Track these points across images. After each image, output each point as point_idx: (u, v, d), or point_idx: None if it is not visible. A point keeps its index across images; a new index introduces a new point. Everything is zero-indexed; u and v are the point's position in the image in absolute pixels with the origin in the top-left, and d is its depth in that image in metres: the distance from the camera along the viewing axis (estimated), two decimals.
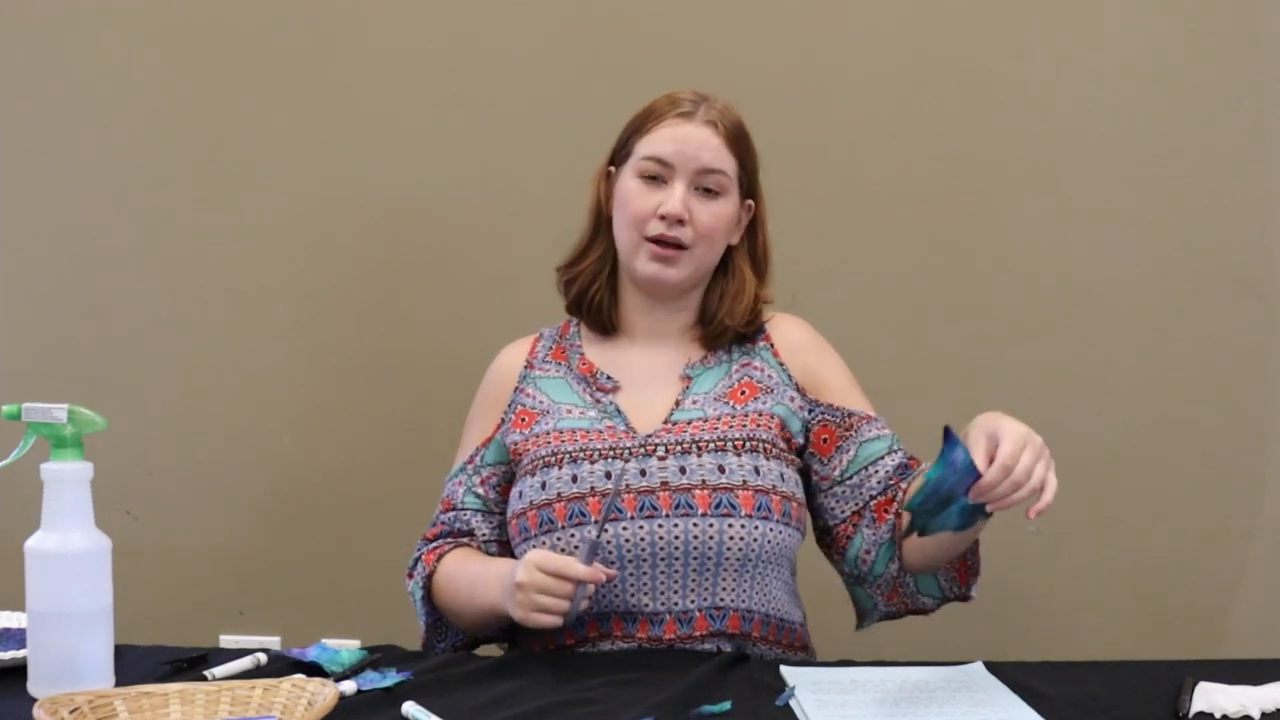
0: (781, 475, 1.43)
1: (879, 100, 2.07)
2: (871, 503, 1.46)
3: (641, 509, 1.39)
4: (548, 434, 1.47)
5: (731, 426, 1.44)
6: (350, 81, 2.13)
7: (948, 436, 1.16)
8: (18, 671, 1.25)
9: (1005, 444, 1.17)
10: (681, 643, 1.39)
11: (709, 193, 1.48)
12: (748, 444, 1.42)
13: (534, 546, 1.42)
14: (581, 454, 1.43)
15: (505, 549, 1.53)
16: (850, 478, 1.48)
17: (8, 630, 1.41)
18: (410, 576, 1.54)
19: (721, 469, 1.40)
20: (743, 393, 1.48)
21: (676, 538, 1.38)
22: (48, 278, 2.18)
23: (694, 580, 1.39)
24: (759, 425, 1.45)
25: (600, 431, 1.45)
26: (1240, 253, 2.04)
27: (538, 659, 1.36)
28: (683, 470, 1.40)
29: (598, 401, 1.50)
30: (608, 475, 1.41)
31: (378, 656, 1.34)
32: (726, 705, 1.15)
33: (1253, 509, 2.05)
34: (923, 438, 1.39)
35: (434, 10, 2.11)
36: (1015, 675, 1.25)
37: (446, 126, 2.12)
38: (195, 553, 2.16)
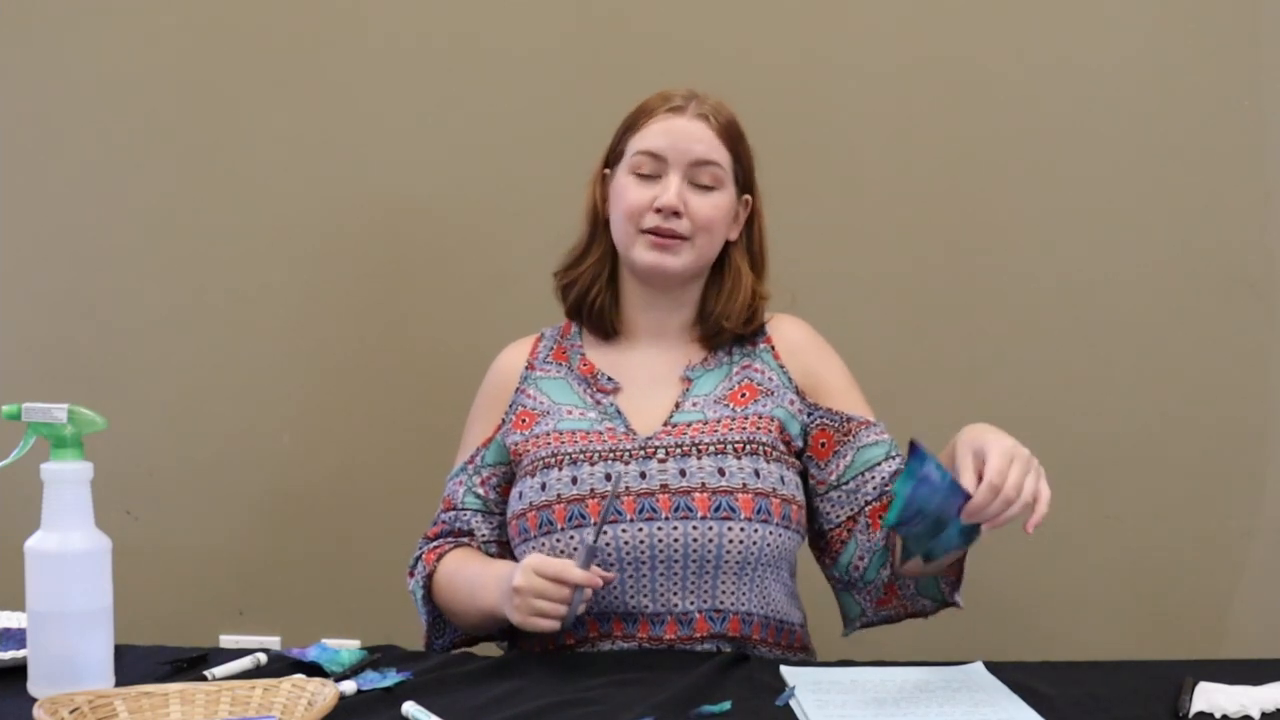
0: (781, 478, 1.43)
1: (879, 101, 2.07)
2: (866, 508, 1.46)
3: (641, 511, 1.39)
4: (548, 435, 1.47)
5: (731, 429, 1.44)
6: (350, 81, 2.13)
7: (913, 450, 1.16)
8: (18, 671, 1.25)
9: (991, 461, 1.17)
10: (682, 644, 1.39)
11: (704, 187, 1.48)
12: (748, 447, 1.42)
13: (533, 547, 1.43)
14: (581, 455, 1.43)
15: (505, 549, 1.53)
16: (846, 483, 1.47)
17: (8, 630, 1.41)
18: (411, 575, 1.54)
19: (721, 472, 1.40)
20: (743, 395, 1.48)
21: (676, 540, 1.38)
22: (48, 278, 2.18)
23: (693, 583, 1.39)
24: (759, 428, 1.44)
25: (600, 433, 1.45)
26: (1240, 253, 2.04)
27: (538, 659, 1.36)
28: (682, 473, 1.40)
29: (598, 403, 1.50)
30: (607, 477, 1.41)
31: (378, 656, 1.34)
32: (726, 705, 1.15)
33: (1253, 509, 2.05)
34: (922, 438, 1.39)
35: (434, 10, 2.11)
36: (1015, 675, 1.25)
37: (446, 126, 2.12)
38: (195, 553, 2.16)
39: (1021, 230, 2.06)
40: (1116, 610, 2.06)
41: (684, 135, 1.48)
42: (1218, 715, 1.12)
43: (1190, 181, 2.03)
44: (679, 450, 1.42)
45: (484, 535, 1.53)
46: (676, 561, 1.38)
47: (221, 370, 2.16)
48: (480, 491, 1.54)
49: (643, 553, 1.38)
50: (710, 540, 1.38)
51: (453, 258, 2.13)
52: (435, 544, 1.53)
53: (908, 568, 1.40)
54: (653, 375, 1.52)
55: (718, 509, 1.39)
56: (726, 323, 1.51)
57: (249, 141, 2.14)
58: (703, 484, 1.39)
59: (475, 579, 1.44)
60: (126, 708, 1.09)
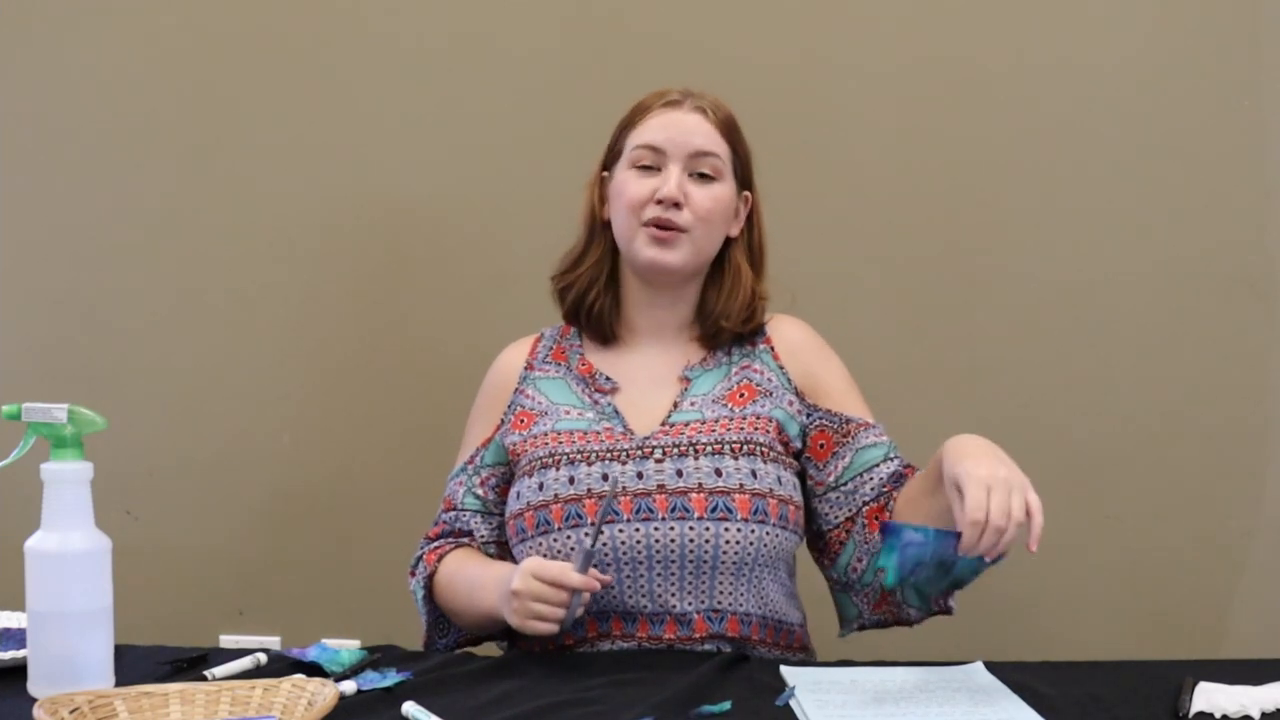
0: (779, 479, 1.43)
1: (879, 100, 2.07)
2: (864, 509, 1.46)
3: (638, 512, 1.39)
4: (545, 435, 1.47)
5: (729, 429, 1.44)
6: (350, 81, 2.13)
7: (885, 530, 1.21)
8: (18, 671, 1.25)
9: (968, 496, 1.18)
10: (681, 644, 1.39)
11: (704, 177, 1.48)
12: (745, 447, 1.42)
13: (531, 548, 1.43)
14: (579, 455, 1.43)
15: (504, 550, 1.53)
16: (844, 484, 1.47)
17: (8, 630, 1.41)
18: (412, 575, 1.54)
19: (719, 472, 1.40)
20: (741, 395, 1.48)
21: (673, 541, 1.38)
22: (48, 278, 2.18)
23: (690, 583, 1.39)
24: (756, 428, 1.44)
25: (598, 433, 1.45)
26: (1240, 253, 2.04)
27: (538, 659, 1.36)
28: (680, 473, 1.40)
29: (596, 403, 1.50)
30: (605, 477, 1.41)
31: (378, 656, 1.34)
32: (726, 705, 1.15)
33: (1253, 509, 2.05)
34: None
35: (434, 10, 2.11)
36: (1015, 675, 1.25)
37: (446, 126, 2.12)
38: (195, 553, 2.16)
39: (1021, 230, 2.06)
40: (1116, 610, 2.06)
41: (682, 128, 1.48)
42: (1218, 715, 1.12)
43: (1190, 181, 2.03)
44: (676, 450, 1.42)
45: (483, 536, 1.53)
46: (674, 562, 1.38)
47: (221, 370, 2.16)
48: (479, 492, 1.54)
49: (640, 553, 1.38)
50: (707, 541, 1.38)
51: (453, 258, 2.13)
52: (436, 544, 1.53)
53: (913, 611, 1.43)
54: (651, 375, 1.51)
55: (715, 509, 1.39)
56: (726, 322, 1.51)
57: (249, 141, 2.14)
58: (700, 484, 1.39)
59: (474, 580, 1.44)
60: (126, 708, 1.09)
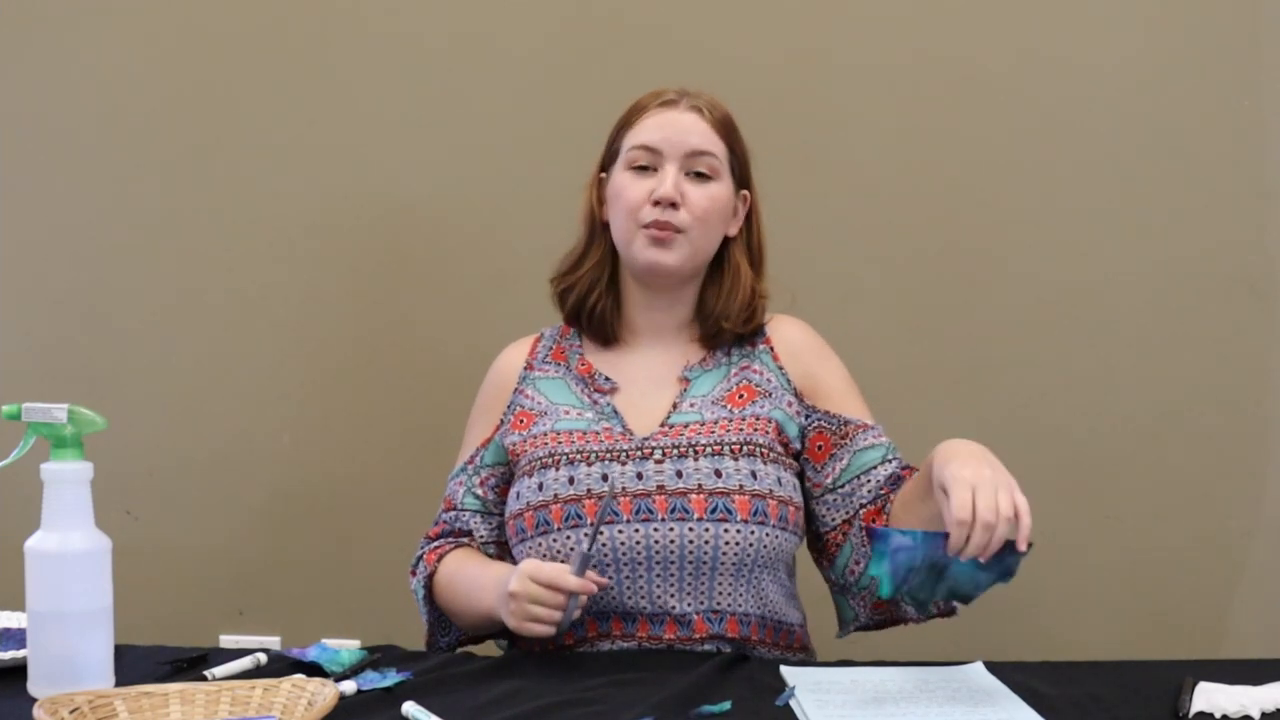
0: (779, 479, 1.43)
1: (879, 100, 2.07)
2: (861, 511, 1.45)
3: (637, 512, 1.39)
4: (545, 435, 1.47)
5: (729, 430, 1.43)
6: (350, 81, 2.13)
7: (871, 535, 1.21)
8: (18, 671, 1.25)
9: (953, 497, 1.18)
10: (681, 644, 1.39)
11: (701, 176, 1.48)
12: (744, 448, 1.42)
13: (530, 548, 1.43)
14: (578, 455, 1.43)
15: (503, 550, 1.53)
16: (842, 486, 1.47)
17: (8, 630, 1.41)
18: (413, 574, 1.54)
19: (718, 473, 1.40)
20: (740, 396, 1.48)
21: (672, 542, 1.38)
22: (48, 278, 2.18)
23: (690, 584, 1.39)
24: (755, 429, 1.44)
25: (597, 433, 1.45)
26: (1240, 253, 2.04)
27: (538, 659, 1.36)
28: (679, 474, 1.40)
29: (595, 403, 1.50)
30: (604, 477, 1.41)
31: (378, 656, 1.34)
32: (726, 705, 1.15)
33: (1253, 509, 2.05)
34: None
35: (434, 10, 2.11)
36: (1015, 675, 1.25)
37: (446, 126, 2.12)
38: (195, 553, 2.16)
39: (1021, 230, 2.06)
40: (1116, 610, 2.06)
41: (678, 127, 1.48)
42: (1218, 715, 1.12)
43: (1190, 181, 2.04)
44: (676, 451, 1.42)
45: (482, 536, 1.53)
46: (673, 563, 1.38)
47: (221, 370, 2.16)
48: (479, 492, 1.54)
49: (639, 554, 1.38)
50: (707, 542, 1.38)
51: (453, 258, 2.13)
52: (436, 544, 1.53)
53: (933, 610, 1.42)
54: (651, 375, 1.51)
55: (714, 510, 1.38)
56: (725, 322, 1.51)
57: (249, 141, 2.14)
58: (699, 485, 1.39)
59: (473, 581, 1.44)
60: (126, 708, 1.09)
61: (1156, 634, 2.05)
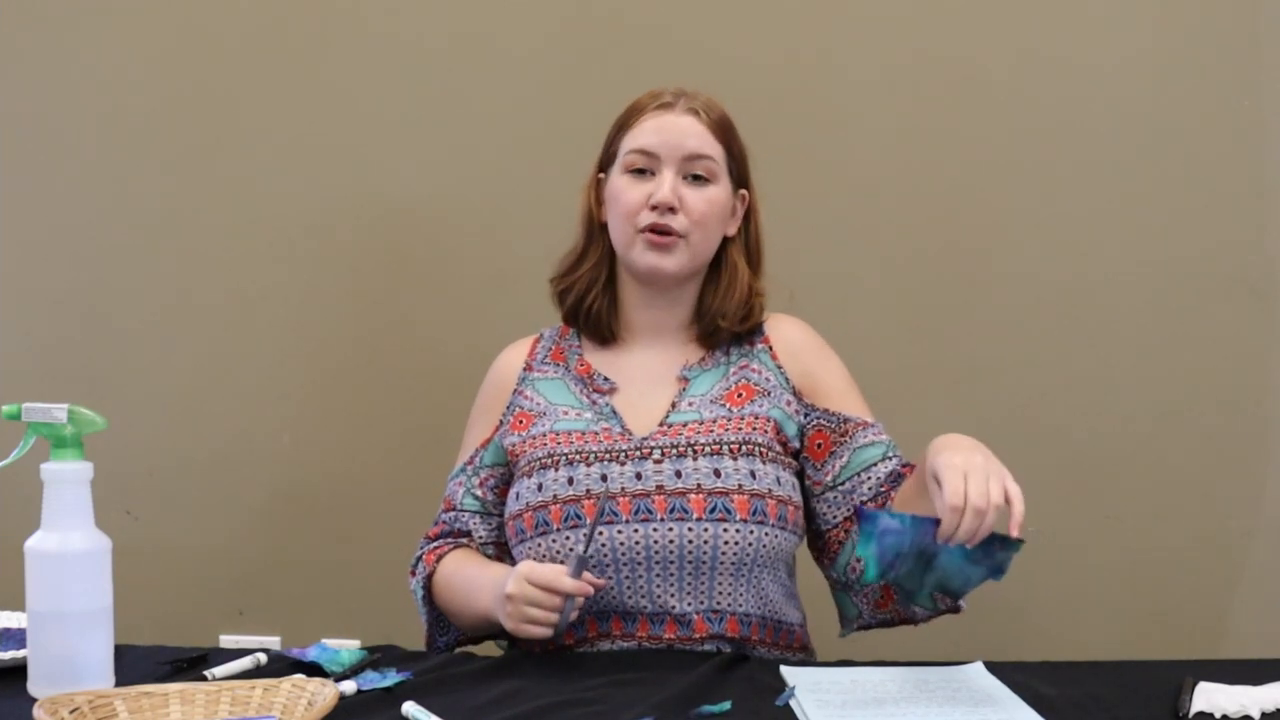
0: (778, 479, 1.43)
1: (878, 100, 2.07)
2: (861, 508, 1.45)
3: (636, 512, 1.39)
4: (544, 436, 1.47)
5: (727, 430, 1.43)
6: (350, 81, 2.13)
7: (861, 516, 1.21)
8: (18, 671, 1.25)
9: (946, 484, 1.18)
10: (681, 644, 1.39)
11: (699, 179, 1.48)
12: (743, 447, 1.42)
13: (530, 548, 1.43)
14: (577, 456, 1.43)
15: (502, 550, 1.53)
16: (843, 483, 1.47)
17: (8, 630, 1.41)
18: (413, 575, 1.54)
19: (717, 473, 1.40)
20: (739, 395, 1.48)
21: (671, 542, 1.38)
22: (48, 278, 2.18)
23: (689, 584, 1.39)
24: (754, 428, 1.44)
25: (596, 433, 1.45)
26: (1240, 253, 2.04)
27: (538, 659, 1.36)
28: (678, 474, 1.40)
29: (594, 403, 1.50)
30: (603, 478, 1.41)
31: (378, 656, 1.34)
32: (726, 705, 1.15)
33: (1253, 509, 2.05)
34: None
35: (433, 10, 2.11)
36: (1015, 675, 1.25)
37: (446, 126, 2.12)
38: (195, 553, 2.16)
39: (1021, 230, 2.06)
40: (1116, 610, 2.06)
41: (675, 130, 1.47)
42: (1218, 715, 1.12)
43: (1190, 181, 2.04)
44: (675, 451, 1.42)
45: (481, 537, 1.53)
46: (673, 563, 1.38)
47: (221, 370, 2.16)
48: (478, 493, 1.54)
49: (639, 554, 1.38)
50: (706, 542, 1.38)
51: (453, 258, 2.13)
52: (435, 544, 1.53)
53: (919, 609, 1.41)
54: (650, 375, 1.51)
55: (713, 510, 1.38)
56: (723, 320, 1.51)
57: (249, 141, 2.14)
58: (698, 485, 1.39)
59: (472, 582, 1.44)
60: (126, 708, 1.09)
61: (1156, 634, 2.05)
